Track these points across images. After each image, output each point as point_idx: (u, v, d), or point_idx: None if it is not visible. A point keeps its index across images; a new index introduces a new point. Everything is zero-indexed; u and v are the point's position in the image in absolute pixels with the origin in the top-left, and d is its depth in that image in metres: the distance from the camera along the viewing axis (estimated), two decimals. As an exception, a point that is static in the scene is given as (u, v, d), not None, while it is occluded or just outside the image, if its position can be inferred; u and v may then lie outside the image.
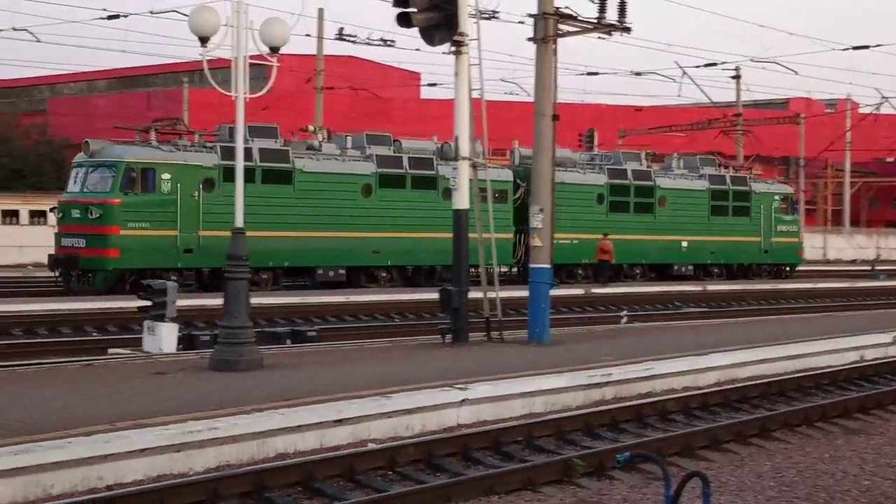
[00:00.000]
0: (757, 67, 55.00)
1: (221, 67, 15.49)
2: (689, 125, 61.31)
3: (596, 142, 51.36)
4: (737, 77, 53.51)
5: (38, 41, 42.17)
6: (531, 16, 18.81)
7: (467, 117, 18.45)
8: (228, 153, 28.15)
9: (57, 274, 29.74)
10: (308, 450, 10.73)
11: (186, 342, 17.58)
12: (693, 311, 31.76)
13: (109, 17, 37.31)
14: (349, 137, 34.04)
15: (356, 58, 58.69)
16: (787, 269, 44.06)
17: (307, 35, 42.64)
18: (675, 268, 40.11)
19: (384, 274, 33.11)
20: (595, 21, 19.06)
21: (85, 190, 28.79)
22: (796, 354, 17.68)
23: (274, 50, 14.90)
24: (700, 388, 15.11)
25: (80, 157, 29.84)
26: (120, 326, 22.39)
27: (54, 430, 9.70)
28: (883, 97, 60.99)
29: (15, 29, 39.15)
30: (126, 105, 43.52)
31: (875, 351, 19.16)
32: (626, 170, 38.89)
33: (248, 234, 27.06)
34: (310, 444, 10.83)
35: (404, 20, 17.52)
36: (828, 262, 66.56)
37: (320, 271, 31.74)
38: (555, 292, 19.31)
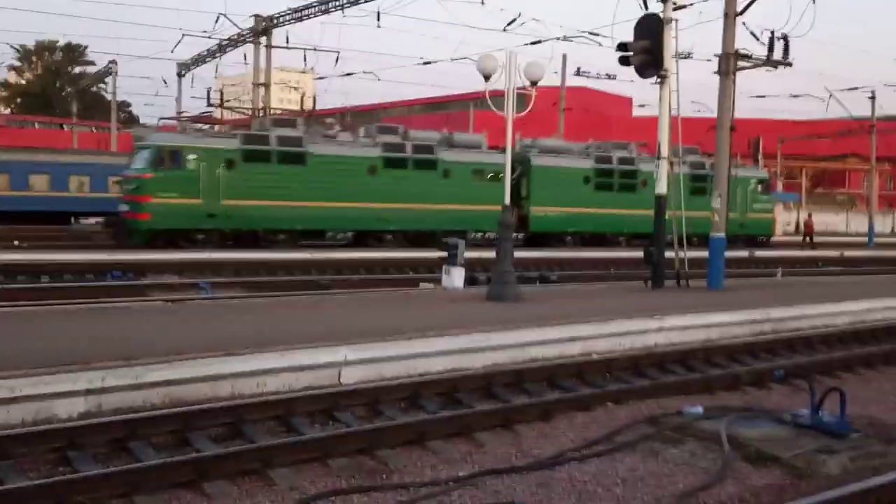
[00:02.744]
0: (889, 90, 50.26)
1: (496, 95, 15.56)
2: (835, 133, 57.35)
3: (761, 148, 48.59)
4: (872, 98, 49.26)
5: (379, 79, 44.10)
6: (717, 55, 17.92)
7: (667, 129, 17.88)
8: (248, 139, 27.31)
9: (112, 232, 28.04)
10: (552, 356, 10.75)
11: (469, 281, 17.84)
12: (832, 269, 29.67)
13: (424, 63, 38.28)
14: (362, 128, 31.74)
15: (587, 88, 57.66)
16: (762, 238, 38.19)
17: (555, 72, 42.65)
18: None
19: (389, 237, 29.82)
20: (765, 58, 18.04)
21: (132, 168, 26.99)
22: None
23: (533, 83, 14.88)
24: (837, 326, 14.13)
25: (136, 143, 28.33)
26: (427, 269, 23.01)
27: (389, 334, 10.13)
28: None
29: (364, 72, 40.71)
30: (432, 123, 44.39)
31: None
32: (611, 156, 34.19)
33: (267, 203, 27.19)
34: (553, 353, 10.83)
35: (624, 61, 17.20)
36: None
37: (329, 233, 29.31)
38: (726, 253, 18.42)
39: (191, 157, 26.04)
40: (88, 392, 7.43)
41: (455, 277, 16.97)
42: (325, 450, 6.82)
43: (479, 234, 31.38)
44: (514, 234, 32.27)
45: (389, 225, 29.41)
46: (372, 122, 34.83)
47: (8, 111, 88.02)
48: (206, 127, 28.43)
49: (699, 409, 8.16)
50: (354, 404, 8.23)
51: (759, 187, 38.61)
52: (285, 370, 8.65)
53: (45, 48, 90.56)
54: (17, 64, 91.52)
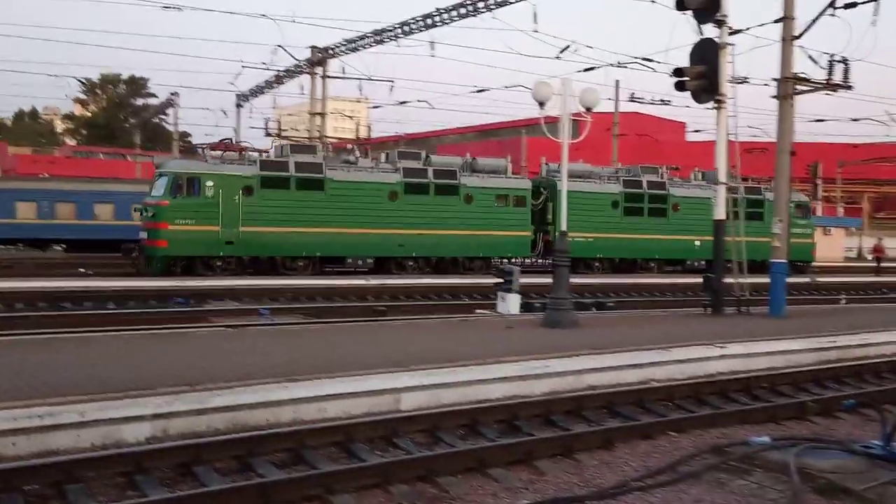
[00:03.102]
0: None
1: (550, 122, 15.56)
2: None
3: (820, 172, 47.61)
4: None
5: (432, 108, 44.54)
6: (774, 79, 17.65)
7: (724, 154, 17.64)
8: (266, 165, 26.71)
9: (130, 260, 27.81)
10: (609, 384, 10.59)
11: (525, 307, 17.76)
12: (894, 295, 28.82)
13: (477, 91, 38.57)
14: (383, 153, 30.89)
15: (640, 113, 57.29)
16: (801, 265, 35.58)
17: (608, 98, 42.55)
18: (688, 262, 34.06)
19: (411, 263, 28.87)
20: (824, 81, 17.69)
21: (151, 195, 26.58)
22: None
23: (588, 109, 14.87)
24: (906, 355, 13.68)
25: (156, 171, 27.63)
26: (482, 295, 22.94)
27: (447, 360, 10.11)
28: None
29: (418, 101, 41.18)
30: (485, 149, 44.53)
31: None
32: (640, 180, 32.85)
33: (285, 230, 26.67)
34: (610, 381, 10.67)
35: (680, 87, 17.01)
36: None
37: (349, 260, 28.19)
38: (787, 280, 18.02)
39: (208, 183, 25.62)
40: (155, 417, 7.55)
41: (511, 304, 16.94)
42: (385, 476, 6.81)
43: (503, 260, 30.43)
44: (536, 260, 31.81)
45: (411, 251, 28.69)
46: (426, 149, 34.83)
47: (74, 142, 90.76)
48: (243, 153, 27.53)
49: (766, 439, 7.96)
50: (414, 430, 8.21)
51: (798, 212, 36.87)
52: (345, 396, 8.68)
53: (109, 81, 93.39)
54: (83, 97, 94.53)
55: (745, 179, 36.20)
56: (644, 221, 32.54)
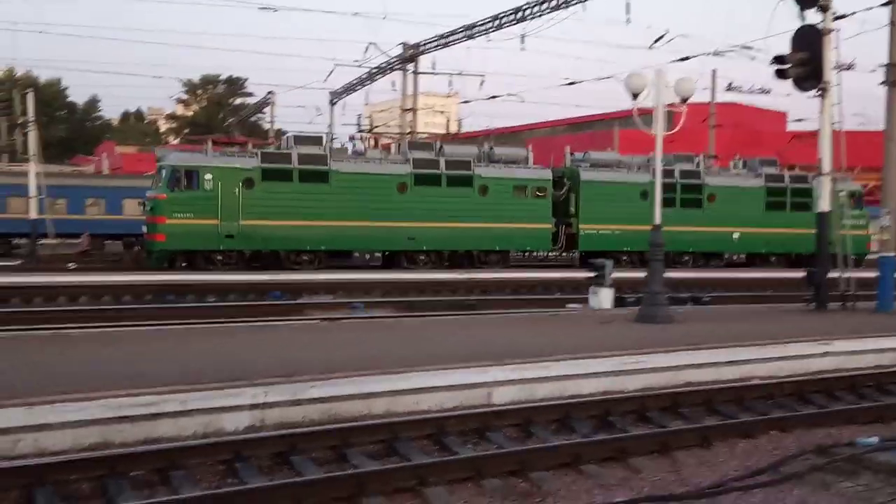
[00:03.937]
0: None
1: (644, 114, 15.22)
2: None
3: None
4: None
5: (523, 101, 44.27)
6: (883, 65, 16.83)
7: (829, 144, 16.87)
8: (268, 157, 26.05)
9: (131, 254, 27.77)
10: (707, 381, 10.28)
11: (618, 302, 17.51)
12: None
13: (569, 83, 38.13)
14: (393, 144, 29.74)
15: (738, 103, 55.60)
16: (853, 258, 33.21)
17: (705, 88, 41.40)
18: (726, 255, 32.10)
19: (422, 257, 27.90)
20: (937, 66, 16.78)
21: (152, 188, 26.40)
22: None
23: (683, 100, 14.47)
24: None
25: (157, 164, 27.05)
26: (574, 289, 22.72)
27: (539, 355, 10.02)
28: None
29: (509, 94, 40.97)
30: (577, 143, 44.01)
31: None
32: (672, 170, 30.29)
33: (288, 223, 25.87)
34: (709, 377, 10.37)
35: (781, 75, 16.38)
36: None
37: (356, 254, 27.62)
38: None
39: (207, 176, 25.04)
40: (252, 407, 7.72)
41: (603, 298, 16.71)
42: (478, 469, 6.78)
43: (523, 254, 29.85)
44: (559, 253, 30.51)
45: (421, 245, 27.73)
46: (516, 144, 34.57)
47: (176, 141, 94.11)
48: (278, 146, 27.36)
49: (874, 440, 7.59)
50: (506, 424, 8.16)
51: (851, 201, 34.43)
52: (437, 389, 8.70)
53: (209, 82, 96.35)
54: (185, 97, 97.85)
55: (791, 168, 34.11)
56: (675, 213, 29.74)
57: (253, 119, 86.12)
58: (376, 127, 46.48)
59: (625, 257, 29.81)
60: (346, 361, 9.38)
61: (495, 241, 28.51)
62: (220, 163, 25.36)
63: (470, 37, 36.79)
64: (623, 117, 44.99)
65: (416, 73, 40.21)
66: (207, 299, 19.92)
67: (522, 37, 34.04)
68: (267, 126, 61.08)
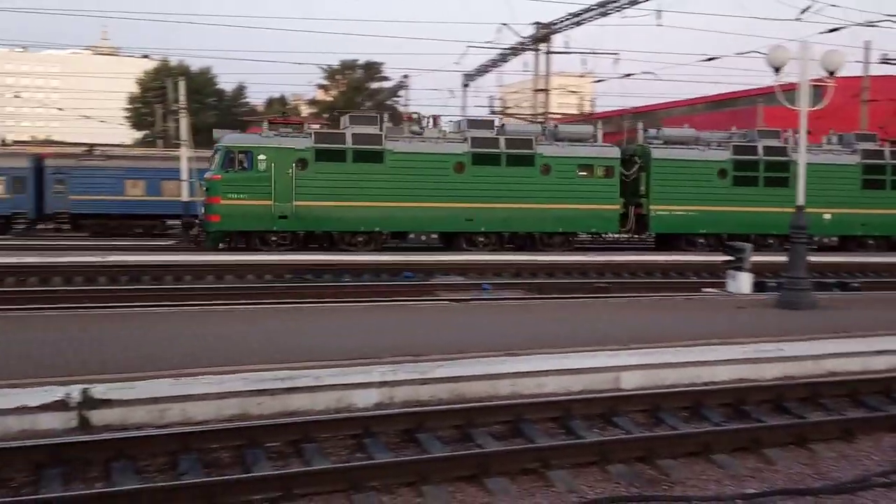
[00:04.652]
0: None
1: (788, 90, 14.49)
2: None
3: None
4: None
5: (659, 79, 43.09)
6: None
7: None
8: (321, 138, 25.55)
9: (190, 235, 27.78)
10: (853, 370, 9.75)
11: (757, 286, 16.79)
12: None
13: (707, 59, 36.83)
14: (451, 122, 28.41)
15: (893, 76, 52.02)
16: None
17: (856, 61, 38.97)
18: (816, 238, 28.50)
19: (482, 239, 26.85)
20: None
21: (209, 169, 26.12)
22: None
23: (831, 73, 13.68)
24: None
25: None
26: (709, 272, 22.04)
27: (670, 340, 9.77)
28: None
29: (644, 72, 39.98)
30: (716, 121, 42.46)
31: None
32: (755, 146, 28.52)
33: (342, 204, 25.17)
34: (854, 367, 9.82)
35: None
36: None
37: (412, 235, 26.94)
38: None
39: (261, 157, 24.98)
40: (382, 384, 7.92)
41: (742, 282, 16.09)
42: (603, 454, 6.70)
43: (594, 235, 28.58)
44: (629, 235, 29.21)
45: (480, 226, 26.79)
46: (652, 123, 33.62)
47: (317, 126, 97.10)
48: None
49: None
50: (633, 410, 8.02)
51: None
52: (564, 372, 8.64)
53: (347, 67, 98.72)
54: (325, 83, 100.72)
55: (894, 143, 30.80)
56: (759, 192, 28.48)
57: (389, 102, 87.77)
58: (508, 108, 46.39)
59: (701, 240, 28.36)
60: (472, 342, 9.46)
61: (558, 223, 27.46)
62: (273, 143, 25.30)
63: (604, 14, 36.08)
64: (767, 94, 42.93)
65: (548, 52, 39.79)
66: (344, 279, 20.51)
67: (658, 12, 33.21)
68: (402, 109, 62.07)
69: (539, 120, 37.56)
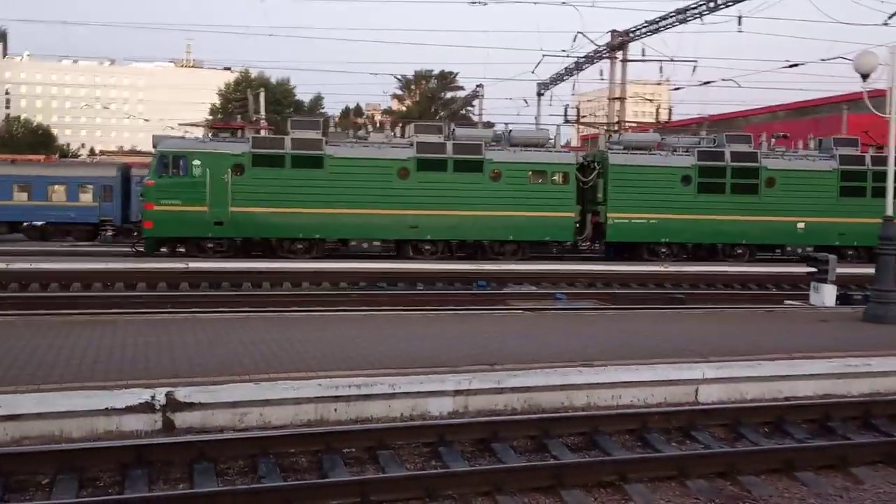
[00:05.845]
0: None
1: (874, 96, 13.99)
2: None
3: None
4: None
5: (739, 87, 42.08)
6: None
7: None
8: (259, 143, 24.97)
9: (130, 241, 27.47)
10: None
11: (842, 299, 16.24)
12: None
13: (790, 66, 35.87)
14: (398, 128, 27.16)
15: None
16: None
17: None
18: (789, 249, 27.42)
19: (428, 247, 25.88)
20: None
21: (146, 175, 25.66)
22: None
23: (922, 79, 13.16)
24: None
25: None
26: (791, 285, 21.44)
27: (751, 353, 9.52)
28: None
29: (723, 80, 39.17)
30: (798, 129, 41.31)
31: None
32: (721, 151, 26.93)
33: (280, 210, 24.48)
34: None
35: None
36: None
37: (353, 243, 25.53)
38: None
39: (196, 162, 24.47)
40: (456, 393, 7.92)
41: (825, 295, 15.60)
42: (682, 469, 6.57)
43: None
44: (588, 245, 27.32)
45: (425, 234, 25.83)
46: (729, 130, 32.77)
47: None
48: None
49: None
50: (713, 424, 7.84)
51: None
52: (640, 384, 8.50)
53: (422, 77, 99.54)
54: (399, 93, 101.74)
55: (881, 148, 28.15)
56: (726, 200, 26.85)
57: (463, 112, 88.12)
58: (584, 117, 46.04)
59: (664, 249, 26.99)
60: (546, 352, 9.38)
61: (509, 231, 26.19)
62: (208, 148, 24.86)
63: (682, 21, 35.50)
64: (853, 100, 41.62)
65: (624, 60, 39.37)
66: (417, 286, 20.63)
67: (739, 18, 32.43)
68: (475, 118, 62.20)
69: (613, 129, 37.16)
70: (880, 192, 26.50)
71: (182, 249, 25.21)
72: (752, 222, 27.06)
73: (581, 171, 26.87)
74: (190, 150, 24.88)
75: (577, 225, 26.84)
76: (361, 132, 27.30)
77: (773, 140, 29.07)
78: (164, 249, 25.42)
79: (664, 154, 27.35)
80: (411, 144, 25.90)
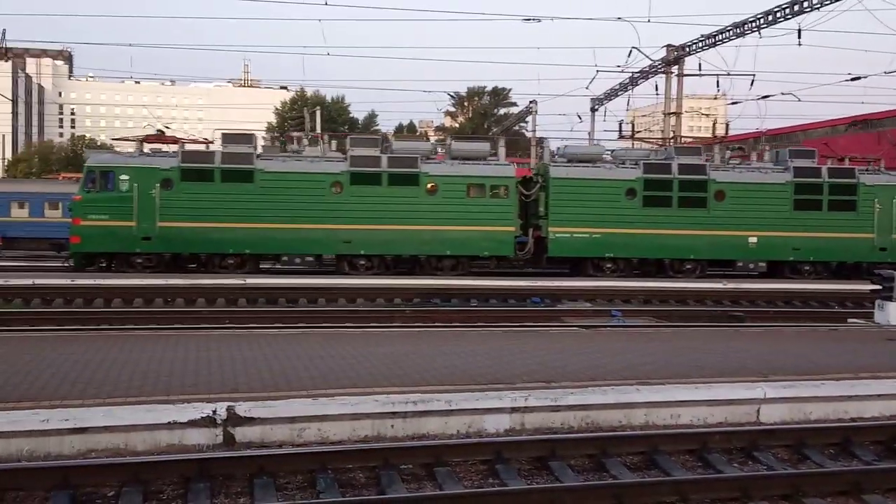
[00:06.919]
0: None
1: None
2: None
3: None
4: None
5: (799, 100, 41.14)
6: None
7: None
8: (188, 157, 24.59)
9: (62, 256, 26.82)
10: None
11: (909, 317, 15.76)
12: None
13: (853, 79, 35.09)
14: (335, 141, 26.68)
15: None
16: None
17: None
18: (740, 264, 26.39)
19: (363, 262, 25.37)
20: None
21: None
22: None
23: None
24: None
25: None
26: (854, 302, 20.91)
27: (814, 372, 9.30)
28: None
29: (783, 93, 38.46)
30: (859, 143, 40.41)
31: None
32: (668, 164, 26.14)
33: (209, 225, 24.01)
34: None
35: None
36: None
37: (285, 258, 25.25)
38: None
39: (123, 177, 24.34)
40: (513, 410, 7.89)
41: (891, 313, 15.18)
42: (745, 490, 6.44)
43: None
44: (525, 260, 25.99)
45: (359, 249, 25.33)
46: (789, 146, 32.16)
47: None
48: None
49: None
50: (775, 445, 7.68)
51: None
52: (699, 403, 8.37)
53: (475, 94, 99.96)
54: (452, 109, 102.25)
55: (842, 160, 27.84)
56: (672, 214, 26.06)
57: (516, 128, 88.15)
58: (638, 132, 45.67)
59: (609, 265, 26.18)
60: (603, 370, 9.30)
61: (446, 246, 25.54)
62: (136, 163, 24.72)
63: (740, 34, 35.02)
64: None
65: (680, 74, 38.98)
66: (471, 303, 20.63)
67: (799, 31, 31.84)
68: (528, 135, 62.16)
69: (661, 144, 36.75)
70: (837, 206, 26.53)
71: (103, 264, 24.83)
72: (701, 236, 26.29)
73: (524, 184, 26.52)
74: (117, 165, 24.76)
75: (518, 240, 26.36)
76: (294, 146, 27.13)
77: (727, 153, 28.43)
78: (103, 263, 25.02)
79: (609, 167, 26.71)
80: (345, 158, 25.66)
